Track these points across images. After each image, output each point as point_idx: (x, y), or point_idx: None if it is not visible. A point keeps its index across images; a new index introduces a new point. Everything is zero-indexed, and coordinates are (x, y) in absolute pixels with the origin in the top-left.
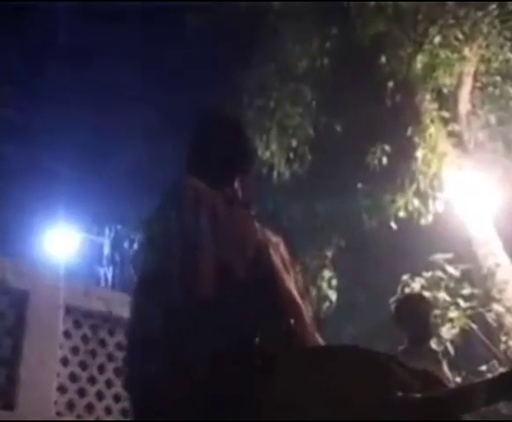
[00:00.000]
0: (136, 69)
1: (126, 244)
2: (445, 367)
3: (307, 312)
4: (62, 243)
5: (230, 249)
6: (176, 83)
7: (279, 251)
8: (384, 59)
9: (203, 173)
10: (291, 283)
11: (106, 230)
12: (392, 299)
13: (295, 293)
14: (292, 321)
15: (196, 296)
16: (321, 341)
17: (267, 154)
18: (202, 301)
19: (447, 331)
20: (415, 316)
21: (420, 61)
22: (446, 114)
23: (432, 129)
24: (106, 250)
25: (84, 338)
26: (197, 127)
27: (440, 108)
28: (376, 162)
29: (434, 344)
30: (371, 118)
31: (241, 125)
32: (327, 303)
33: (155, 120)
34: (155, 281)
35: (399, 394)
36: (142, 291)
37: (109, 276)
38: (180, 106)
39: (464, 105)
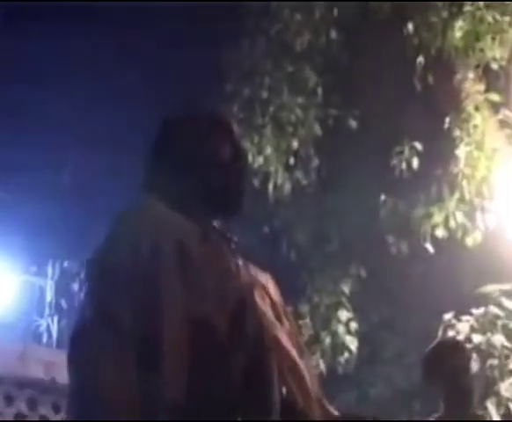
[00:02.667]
0: (90, 49)
1: (75, 286)
2: None
3: (310, 372)
4: None
5: (204, 298)
6: (141, 67)
7: (268, 294)
8: (410, 28)
9: (169, 192)
10: (286, 336)
11: (49, 269)
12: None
13: (291, 349)
14: (290, 387)
15: (157, 364)
16: (330, 408)
17: (260, 160)
18: (166, 370)
19: (507, 388)
20: (449, 373)
21: (459, 28)
22: (496, 98)
23: (478, 118)
24: (49, 295)
25: (20, 417)
26: (165, 129)
27: (487, 90)
28: (403, 165)
29: (490, 404)
30: (396, 107)
31: (233, 135)
32: (346, 354)
33: (110, 118)
34: (90, 349)
35: None
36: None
37: (53, 330)
38: (145, 99)
39: None
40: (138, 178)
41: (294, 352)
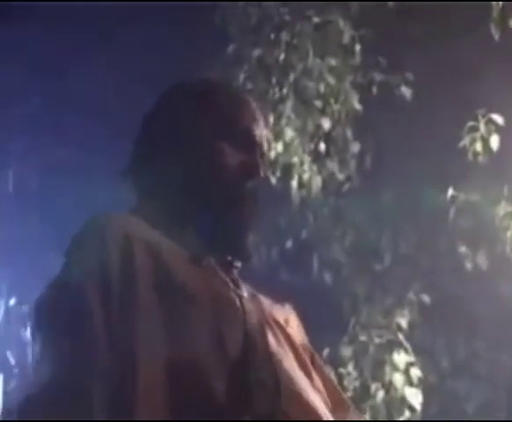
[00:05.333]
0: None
1: (26, 333)
2: None
3: None
4: None
5: (193, 340)
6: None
7: (287, 334)
8: None
9: (148, 204)
10: (315, 393)
11: None
12: None
13: (324, 411)
14: None
15: None
16: None
17: (279, 147)
18: None
19: None
20: None
21: None
22: None
23: None
24: None
25: None
26: (153, 119)
27: None
28: (478, 146)
29: None
30: (465, 66)
31: (257, 138)
32: (407, 413)
33: (71, 95)
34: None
35: None
36: None
37: None
38: (119, 67)
39: None
40: (108, 180)
41: (322, 406)
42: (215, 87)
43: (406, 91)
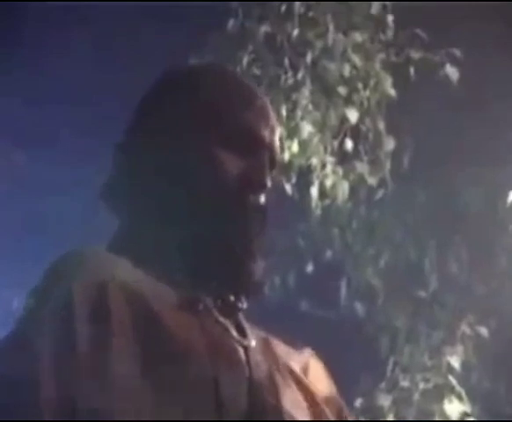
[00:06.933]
0: None
1: None
2: None
3: None
4: None
5: (186, 411)
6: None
7: (305, 387)
8: None
9: (135, 227)
10: None
11: None
12: None
13: None
14: None
15: None
16: None
17: (294, 147)
18: None
19: None
20: None
21: None
22: None
23: None
24: None
25: None
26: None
27: None
28: None
29: None
30: None
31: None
32: None
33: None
34: None
35: None
36: None
37: None
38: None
39: None
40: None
41: None
42: (210, 76)
43: (452, 72)
